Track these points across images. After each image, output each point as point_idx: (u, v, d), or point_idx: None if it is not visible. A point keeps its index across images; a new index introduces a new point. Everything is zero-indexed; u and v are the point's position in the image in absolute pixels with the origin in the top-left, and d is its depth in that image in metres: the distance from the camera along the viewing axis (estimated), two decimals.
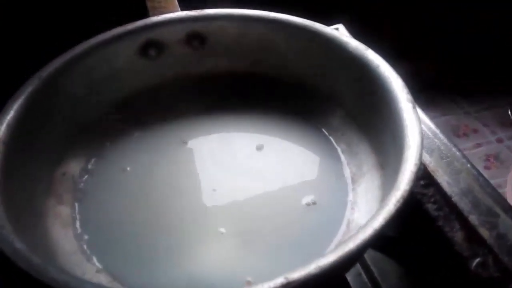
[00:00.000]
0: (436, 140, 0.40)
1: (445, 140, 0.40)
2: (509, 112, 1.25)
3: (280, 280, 0.24)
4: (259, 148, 0.42)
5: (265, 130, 0.44)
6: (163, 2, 0.53)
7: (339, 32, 0.43)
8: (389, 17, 1.23)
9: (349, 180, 0.39)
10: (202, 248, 0.36)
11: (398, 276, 0.42)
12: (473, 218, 0.35)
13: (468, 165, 0.38)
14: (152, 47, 0.44)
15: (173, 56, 0.45)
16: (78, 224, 0.37)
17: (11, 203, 0.31)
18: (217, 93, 0.46)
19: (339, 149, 0.42)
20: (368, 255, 0.42)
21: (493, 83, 1.28)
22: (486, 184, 0.37)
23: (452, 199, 0.36)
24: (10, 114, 0.35)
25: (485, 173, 0.38)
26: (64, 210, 0.37)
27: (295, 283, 0.24)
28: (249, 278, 0.33)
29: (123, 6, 0.52)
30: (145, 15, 0.50)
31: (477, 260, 0.33)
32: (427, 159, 0.39)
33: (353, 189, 0.38)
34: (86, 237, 0.36)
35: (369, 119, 0.39)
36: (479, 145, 1.18)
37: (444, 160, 0.39)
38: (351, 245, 0.26)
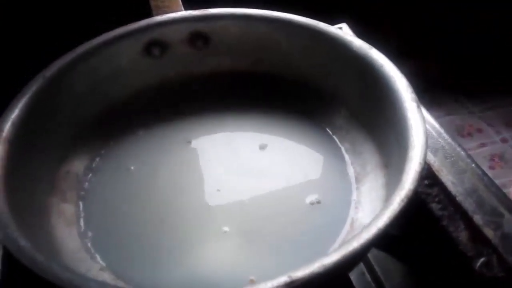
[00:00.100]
0: (440, 140, 0.40)
1: (450, 140, 0.40)
2: None
3: (284, 278, 0.24)
4: (263, 147, 0.42)
5: (268, 129, 0.44)
6: (167, 1, 0.53)
7: (343, 31, 0.43)
8: (390, 16, 1.23)
9: (353, 179, 0.39)
10: (206, 246, 0.36)
11: (401, 276, 0.42)
12: (477, 218, 0.34)
13: (473, 165, 0.38)
14: (155, 46, 0.44)
15: (177, 56, 0.45)
16: (82, 222, 0.37)
17: (16, 201, 0.31)
18: (221, 92, 0.46)
19: (343, 148, 0.41)
20: (372, 254, 0.42)
21: (497, 83, 1.27)
22: (490, 184, 0.37)
23: (457, 198, 0.36)
24: (15, 113, 0.35)
25: (490, 173, 0.38)
26: (68, 208, 0.37)
27: (299, 282, 0.24)
28: (252, 277, 0.33)
29: (127, 5, 0.52)
30: (149, 14, 0.50)
31: (482, 260, 0.33)
32: (431, 158, 0.38)
33: (357, 188, 0.38)
34: (90, 235, 0.36)
35: (373, 118, 0.39)
36: (483, 144, 1.17)
37: (449, 160, 0.39)
38: (355, 244, 0.26)
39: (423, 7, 1.23)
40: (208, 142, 0.43)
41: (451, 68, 1.30)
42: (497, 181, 0.38)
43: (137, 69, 0.44)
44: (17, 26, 0.50)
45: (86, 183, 0.40)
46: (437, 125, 0.41)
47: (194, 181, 0.40)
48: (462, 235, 0.34)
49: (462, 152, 0.39)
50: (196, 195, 0.39)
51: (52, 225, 0.35)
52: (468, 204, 0.35)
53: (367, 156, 0.39)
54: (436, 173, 0.37)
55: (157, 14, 0.45)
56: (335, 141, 0.42)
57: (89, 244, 0.35)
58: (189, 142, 0.43)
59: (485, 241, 0.33)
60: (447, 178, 0.37)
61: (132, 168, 0.41)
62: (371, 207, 0.36)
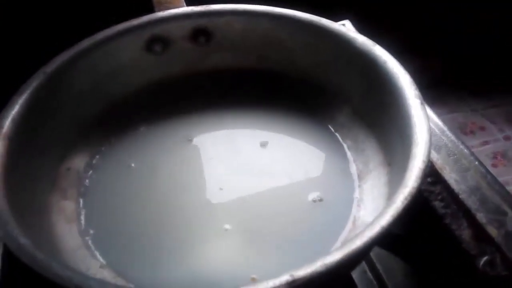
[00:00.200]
0: (443, 137, 0.40)
1: (453, 137, 0.40)
2: None
3: (286, 277, 0.24)
4: (264, 144, 0.42)
5: (270, 126, 0.44)
6: None
7: (346, 28, 0.42)
8: (392, 14, 1.22)
9: (355, 177, 0.39)
10: (207, 244, 0.35)
11: (403, 274, 0.42)
12: (480, 216, 0.34)
13: (476, 163, 0.38)
14: (157, 42, 0.44)
15: (179, 52, 0.44)
16: (82, 219, 0.37)
17: (16, 198, 0.31)
18: (222, 89, 0.46)
19: (345, 146, 0.41)
20: (374, 253, 0.41)
21: (499, 82, 1.27)
22: (494, 182, 0.37)
23: (460, 196, 0.35)
24: (15, 109, 0.35)
25: (493, 171, 0.38)
26: (68, 206, 0.37)
27: (301, 281, 0.24)
28: (254, 276, 0.32)
29: (129, 1, 0.51)
30: (151, 10, 0.49)
31: (485, 258, 0.33)
32: (434, 156, 0.38)
33: (360, 186, 0.38)
34: (90, 232, 0.36)
35: (376, 116, 0.38)
36: (486, 142, 1.17)
37: (452, 157, 0.38)
38: (358, 242, 0.25)
39: (423, 7, 1.23)
40: (209, 140, 0.43)
41: (453, 67, 1.29)
42: (500, 179, 0.38)
43: (139, 66, 0.44)
44: (17, 26, 0.50)
45: (87, 180, 0.40)
46: (440, 123, 0.41)
47: (195, 179, 0.40)
48: (465, 233, 0.34)
49: (465, 150, 0.39)
50: (197, 193, 0.39)
51: (52, 223, 0.35)
52: (471, 202, 0.35)
53: (370, 153, 0.39)
54: (439, 170, 0.37)
55: (159, 10, 0.45)
56: (337, 139, 0.42)
57: (89, 242, 0.35)
58: (190, 140, 0.43)
59: (488, 239, 0.33)
60: (450, 176, 0.37)
61: (133, 165, 0.41)
62: (373, 205, 0.35)
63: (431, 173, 0.37)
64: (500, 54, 1.27)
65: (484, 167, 0.38)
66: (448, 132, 0.40)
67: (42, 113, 0.37)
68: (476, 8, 1.21)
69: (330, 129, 0.43)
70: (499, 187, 0.36)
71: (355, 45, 0.39)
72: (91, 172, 0.40)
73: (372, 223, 0.26)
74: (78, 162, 0.40)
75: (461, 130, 1.19)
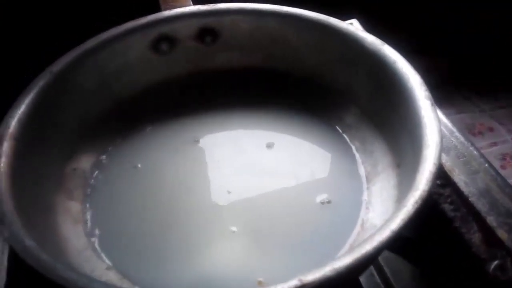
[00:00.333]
0: (452, 139, 0.39)
1: (462, 139, 0.39)
2: None
3: (294, 282, 0.24)
4: (271, 145, 0.42)
5: (277, 127, 0.43)
6: None
7: (354, 27, 0.42)
8: (400, 13, 1.22)
9: (363, 179, 0.38)
10: (213, 246, 0.35)
11: (411, 277, 0.41)
12: (491, 219, 0.34)
13: (486, 165, 0.37)
14: (164, 42, 0.43)
15: (185, 51, 0.44)
16: (88, 220, 0.37)
17: (21, 199, 0.31)
18: (229, 89, 0.46)
19: (353, 147, 0.41)
20: (381, 256, 0.41)
21: (500, 82, 1.26)
22: (504, 184, 0.36)
23: (469, 199, 0.35)
24: (22, 109, 0.34)
25: (501, 173, 0.37)
26: (74, 206, 0.37)
27: (309, 286, 0.24)
28: (260, 279, 0.32)
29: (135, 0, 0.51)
30: (157, 9, 0.49)
31: (495, 262, 0.32)
32: (443, 158, 0.38)
33: (368, 188, 0.37)
34: (96, 233, 0.36)
35: (385, 117, 0.38)
36: (494, 144, 1.16)
37: (461, 159, 0.38)
38: (368, 247, 0.25)
39: (423, 6, 1.22)
40: (216, 141, 0.43)
41: (461, 66, 1.29)
42: (509, 181, 0.37)
43: (145, 65, 0.43)
44: (17, 26, 0.50)
45: (93, 181, 0.39)
46: (449, 124, 0.41)
47: (201, 180, 0.40)
48: (475, 237, 0.33)
49: (475, 152, 0.38)
50: (203, 194, 0.39)
51: (58, 223, 0.35)
52: (481, 205, 0.35)
53: (378, 155, 0.38)
54: (449, 173, 0.37)
55: (166, 9, 0.45)
56: (345, 140, 0.41)
57: (95, 243, 0.35)
58: (197, 141, 0.43)
59: (499, 243, 0.33)
60: (459, 178, 0.36)
61: (139, 165, 0.41)
62: (382, 208, 0.35)
63: (440, 175, 0.36)
64: (500, 54, 1.26)
65: (494, 169, 0.37)
66: (457, 133, 0.40)
67: (48, 113, 0.37)
68: (476, 8, 1.21)
69: (337, 130, 0.42)
70: (510, 190, 0.36)
71: (363, 45, 0.38)
72: (97, 172, 0.40)
73: (382, 227, 0.26)
74: (84, 162, 0.40)
75: (469, 131, 1.18)
